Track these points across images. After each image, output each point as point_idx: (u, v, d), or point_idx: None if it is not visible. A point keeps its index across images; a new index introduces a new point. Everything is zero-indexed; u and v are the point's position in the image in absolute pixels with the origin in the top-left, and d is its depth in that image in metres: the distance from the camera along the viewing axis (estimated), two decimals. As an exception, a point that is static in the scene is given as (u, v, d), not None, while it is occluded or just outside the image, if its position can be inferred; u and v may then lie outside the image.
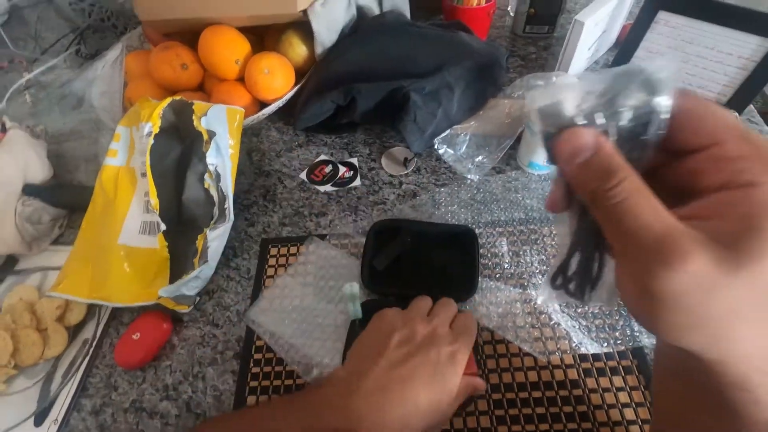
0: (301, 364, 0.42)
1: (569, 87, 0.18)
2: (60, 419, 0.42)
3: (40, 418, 0.42)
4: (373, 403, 0.30)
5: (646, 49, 0.60)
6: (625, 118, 0.18)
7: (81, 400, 0.43)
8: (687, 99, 0.18)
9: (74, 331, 0.48)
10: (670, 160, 0.19)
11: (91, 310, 0.49)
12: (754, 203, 0.16)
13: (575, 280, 0.22)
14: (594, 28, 0.60)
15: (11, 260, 0.54)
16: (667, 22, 0.57)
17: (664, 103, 0.17)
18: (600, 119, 0.18)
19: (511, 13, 0.78)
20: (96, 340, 0.47)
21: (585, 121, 0.18)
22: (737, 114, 0.52)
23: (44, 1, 0.95)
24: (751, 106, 0.59)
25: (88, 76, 0.68)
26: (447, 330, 0.36)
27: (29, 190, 0.54)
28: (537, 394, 0.40)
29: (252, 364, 0.44)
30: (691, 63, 0.57)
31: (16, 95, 0.77)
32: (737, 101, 0.56)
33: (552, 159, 0.19)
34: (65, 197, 0.57)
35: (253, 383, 0.42)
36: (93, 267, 0.48)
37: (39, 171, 0.57)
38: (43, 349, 0.45)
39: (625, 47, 0.62)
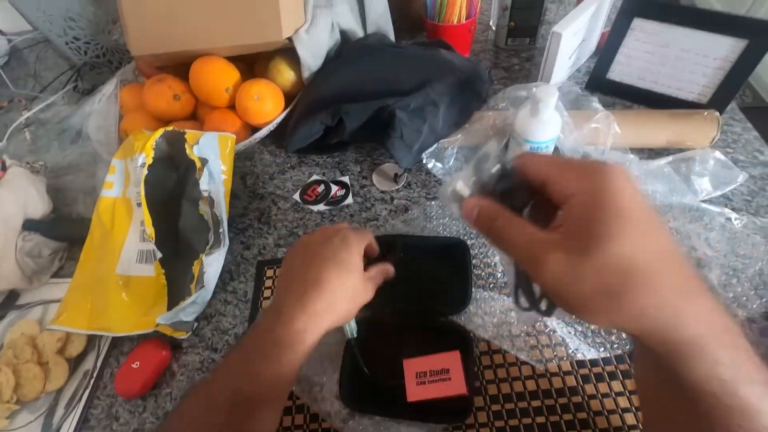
0: (299, 385, 0.43)
1: (462, 173, 0.27)
2: (62, 453, 0.42)
3: (42, 452, 0.42)
4: (299, 318, 0.34)
5: (625, 55, 0.62)
6: (493, 181, 0.26)
7: (83, 433, 0.43)
8: (525, 157, 0.25)
9: (75, 363, 0.48)
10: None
11: (92, 340, 0.49)
12: (581, 205, 0.22)
13: (534, 299, 0.26)
14: (572, 38, 0.61)
15: (13, 295, 0.55)
16: (642, 29, 0.59)
17: (508, 165, 0.26)
18: (479, 188, 0.26)
19: (493, 27, 0.80)
20: (97, 370, 0.47)
21: (470, 192, 0.26)
22: (719, 113, 0.53)
23: (42, 41, 0.98)
24: (734, 104, 0.60)
25: (85, 110, 0.70)
26: (335, 227, 0.41)
27: (29, 225, 0.56)
28: (536, 403, 0.40)
29: (251, 388, 0.44)
30: (669, 66, 0.58)
31: (16, 133, 0.79)
32: (717, 100, 0.57)
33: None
34: (64, 230, 0.58)
35: (253, 406, 0.42)
36: (92, 298, 0.49)
37: (39, 206, 0.58)
38: (44, 382, 0.46)
39: (604, 54, 0.63)
